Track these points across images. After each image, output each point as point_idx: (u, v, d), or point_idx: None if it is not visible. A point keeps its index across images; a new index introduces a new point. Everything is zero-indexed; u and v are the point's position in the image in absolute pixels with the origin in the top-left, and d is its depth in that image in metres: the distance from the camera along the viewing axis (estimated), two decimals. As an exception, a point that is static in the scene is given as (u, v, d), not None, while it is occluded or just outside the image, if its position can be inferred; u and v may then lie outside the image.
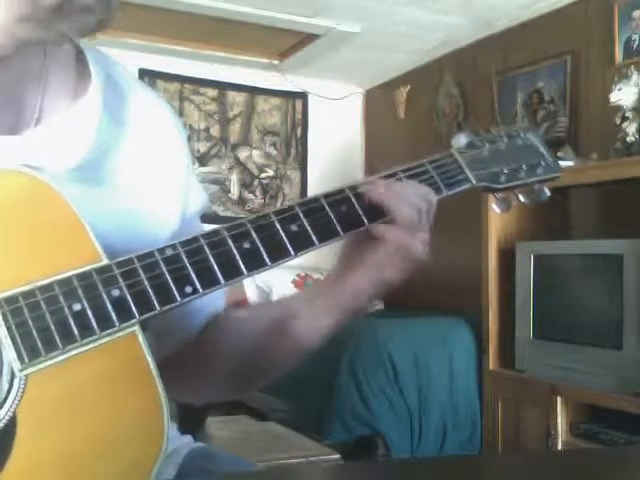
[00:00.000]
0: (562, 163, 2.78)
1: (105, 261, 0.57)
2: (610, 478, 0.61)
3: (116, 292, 0.57)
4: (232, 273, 0.61)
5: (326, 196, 0.68)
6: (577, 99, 3.02)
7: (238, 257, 0.62)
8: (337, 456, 2.18)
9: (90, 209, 0.59)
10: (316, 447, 2.27)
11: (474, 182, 0.77)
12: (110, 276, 0.57)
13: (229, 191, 4.20)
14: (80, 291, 0.56)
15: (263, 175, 4.30)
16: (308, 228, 0.66)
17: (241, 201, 4.23)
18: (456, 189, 0.75)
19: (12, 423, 0.53)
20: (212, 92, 4.16)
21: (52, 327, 0.54)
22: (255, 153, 4.28)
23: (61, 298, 0.55)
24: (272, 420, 2.53)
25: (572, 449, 2.31)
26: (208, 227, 0.72)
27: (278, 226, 0.65)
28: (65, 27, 0.61)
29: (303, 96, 4.36)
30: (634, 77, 2.40)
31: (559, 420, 2.49)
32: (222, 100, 4.20)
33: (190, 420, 1.08)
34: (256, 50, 3.94)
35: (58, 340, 0.54)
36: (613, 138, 2.52)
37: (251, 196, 4.24)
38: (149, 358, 0.57)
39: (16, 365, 0.53)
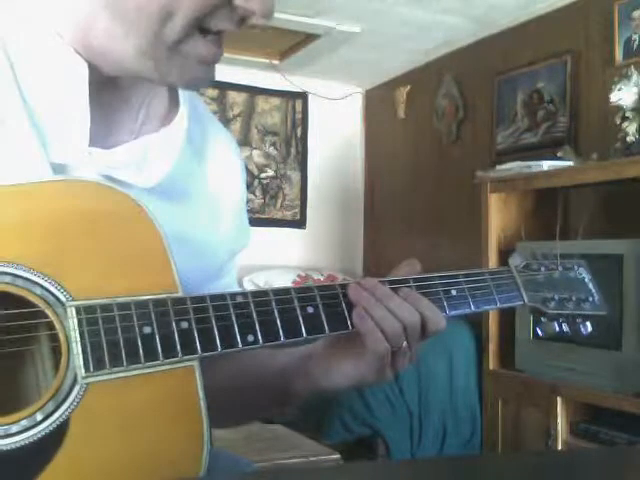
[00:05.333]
0: (562, 163, 2.78)
1: (181, 293, 0.60)
2: (610, 478, 0.61)
3: (185, 324, 0.59)
4: (292, 333, 0.65)
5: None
6: (577, 99, 3.01)
7: (301, 319, 0.66)
8: (337, 456, 2.18)
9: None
10: (316, 447, 2.27)
11: (526, 301, 0.82)
12: (183, 308, 0.60)
13: (229, 191, 4.19)
14: (153, 316, 0.58)
15: (263, 175, 4.30)
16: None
17: (241, 201, 4.23)
18: (509, 304, 0.81)
19: (65, 425, 0.55)
20: (212, 92, 4.16)
21: (121, 344, 0.57)
22: (255, 153, 4.28)
23: (135, 318, 0.58)
24: (273, 421, 2.52)
25: (572, 449, 2.31)
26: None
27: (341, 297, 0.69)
28: (175, 76, 0.64)
29: (303, 96, 4.36)
30: (634, 77, 2.40)
31: (559, 420, 2.49)
32: (222, 100, 4.20)
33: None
34: (256, 50, 3.94)
35: (124, 357, 0.57)
36: (613, 138, 2.52)
37: (251, 196, 4.24)
38: (201, 394, 0.59)
39: (80, 372, 0.55)
